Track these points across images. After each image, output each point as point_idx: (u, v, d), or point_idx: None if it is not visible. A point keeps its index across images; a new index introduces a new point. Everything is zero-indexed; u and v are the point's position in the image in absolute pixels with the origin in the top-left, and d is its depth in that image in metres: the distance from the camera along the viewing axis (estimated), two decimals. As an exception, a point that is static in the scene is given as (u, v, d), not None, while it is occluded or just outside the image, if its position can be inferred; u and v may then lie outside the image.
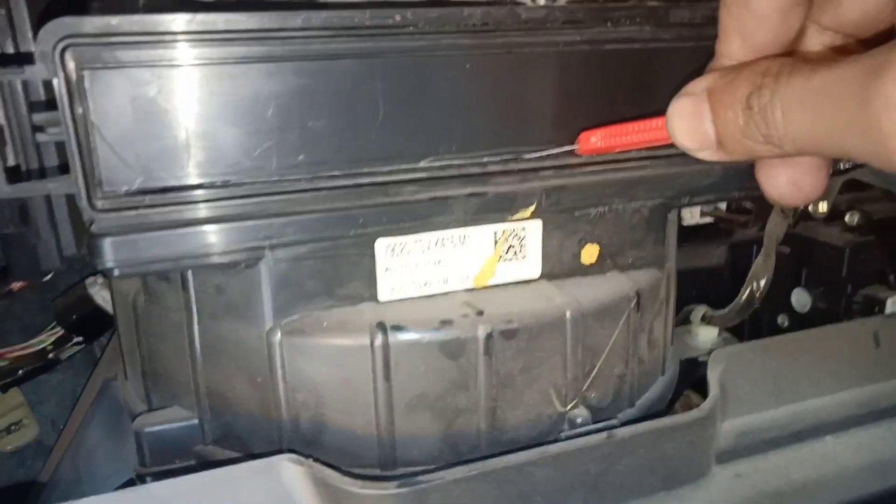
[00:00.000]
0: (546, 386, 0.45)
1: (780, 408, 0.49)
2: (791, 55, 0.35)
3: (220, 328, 0.43)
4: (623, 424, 0.45)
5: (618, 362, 0.47)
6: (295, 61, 0.38)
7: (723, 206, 0.83)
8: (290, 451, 0.41)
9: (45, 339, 0.72)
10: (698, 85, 0.35)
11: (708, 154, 0.36)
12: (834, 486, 0.47)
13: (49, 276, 0.70)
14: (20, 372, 0.72)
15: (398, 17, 0.39)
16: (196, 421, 0.45)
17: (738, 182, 0.50)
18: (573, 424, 0.45)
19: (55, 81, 0.34)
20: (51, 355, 0.72)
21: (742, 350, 0.51)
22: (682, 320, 0.69)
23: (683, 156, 0.47)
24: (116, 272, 0.37)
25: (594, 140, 0.41)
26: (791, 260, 0.83)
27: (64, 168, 0.39)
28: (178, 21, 0.35)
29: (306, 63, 0.38)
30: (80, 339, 0.73)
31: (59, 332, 0.72)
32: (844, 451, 0.49)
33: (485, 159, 0.43)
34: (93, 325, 0.72)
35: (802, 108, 0.30)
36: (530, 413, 0.45)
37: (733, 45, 0.36)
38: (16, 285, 0.68)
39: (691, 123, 0.35)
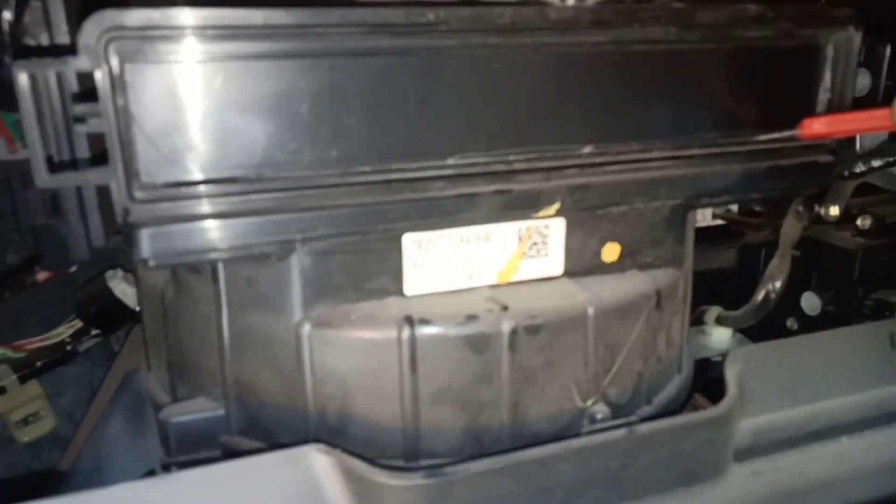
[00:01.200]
0: (567, 381, 0.45)
1: (796, 408, 0.50)
2: None
3: (249, 320, 0.43)
4: (641, 421, 0.45)
5: (637, 360, 0.48)
6: (330, 57, 0.39)
7: (734, 208, 0.83)
8: (316, 442, 0.42)
9: (64, 332, 0.72)
10: None
11: None
12: (849, 485, 0.48)
13: (75, 269, 0.71)
14: (38, 364, 0.72)
15: (431, 16, 0.40)
16: (222, 412, 0.45)
17: (756, 184, 0.50)
18: (593, 420, 0.46)
19: (97, 74, 0.35)
20: (69, 347, 0.73)
21: (759, 350, 0.52)
22: (696, 321, 0.70)
23: (704, 157, 0.49)
24: (152, 262, 0.38)
25: (817, 126, 0.42)
26: (802, 263, 0.84)
27: (96, 159, 0.40)
28: (217, 16, 0.36)
29: (341, 59, 0.39)
30: (98, 331, 0.73)
31: (78, 324, 0.73)
32: (860, 451, 0.50)
33: (510, 157, 0.44)
34: (111, 317, 0.73)
35: None
36: (552, 408, 0.45)
37: None
38: (41, 276, 0.69)
39: None
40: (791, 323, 0.87)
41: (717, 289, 0.83)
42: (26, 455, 0.78)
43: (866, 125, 0.47)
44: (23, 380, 0.73)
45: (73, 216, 0.47)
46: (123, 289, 0.72)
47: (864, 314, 0.80)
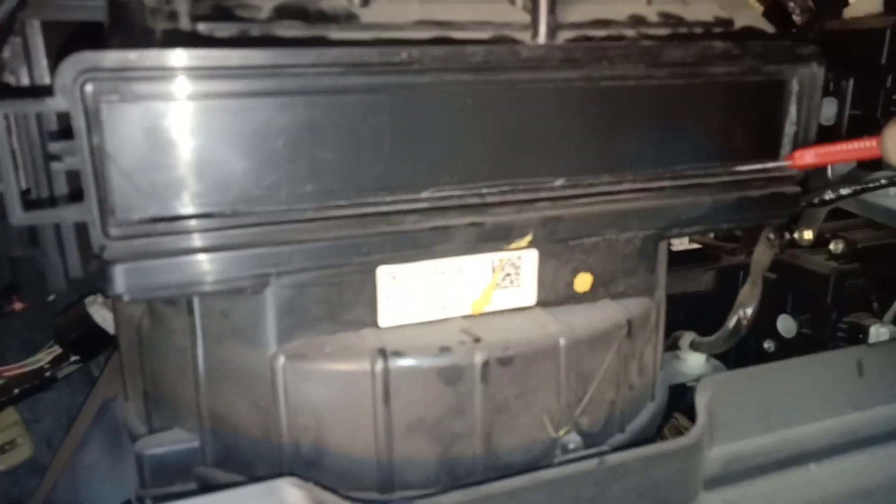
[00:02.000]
0: (540, 412, 0.46)
1: (766, 435, 0.51)
2: None
3: (224, 352, 0.44)
4: (613, 450, 0.46)
5: (609, 389, 0.49)
6: (305, 95, 0.40)
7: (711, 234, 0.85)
8: (291, 474, 0.42)
9: (43, 358, 0.72)
10: None
11: None
12: (818, 512, 0.49)
13: (53, 297, 0.71)
14: (16, 391, 0.72)
15: (404, 55, 0.41)
16: (197, 443, 0.45)
17: (725, 214, 0.51)
18: (565, 450, 0.46)
19: (72, 113, 0.36)
20: (47, 374, 0.72)
21: (729, 378, 0.53)
22: (671, 346, 0.71)
23: (674, 189, 0.50)
24: (127, 297, 0.38)
25: (808, 157, 0.46)
26: (777, 286, 0.85)
27: (74, 195, 0.40)
28: (193, 57, 0.37)
29: (316, 97, 0.40)
30: (78, 357, 0.73)
31: (57, 350, 0.72)
32: (829, 478, 0.51)
33: (484, 190, 0.45)
34: (91, 343, 0.72)
35: None
36: (524, 438, 0.46)
37: None
38: (17, 305, 0.69)
39: None
40: (768, 345, 0.88)
41: (696, 311, 0.84)
42: (4, 482, 0.77)
43: (856, 155, 0.49)
44: (0, 407, 0.72)
45: (50, 248, 0.47)
46: (103, 314, 0.72)
47: (839, 337, 0.82)
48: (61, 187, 0.43)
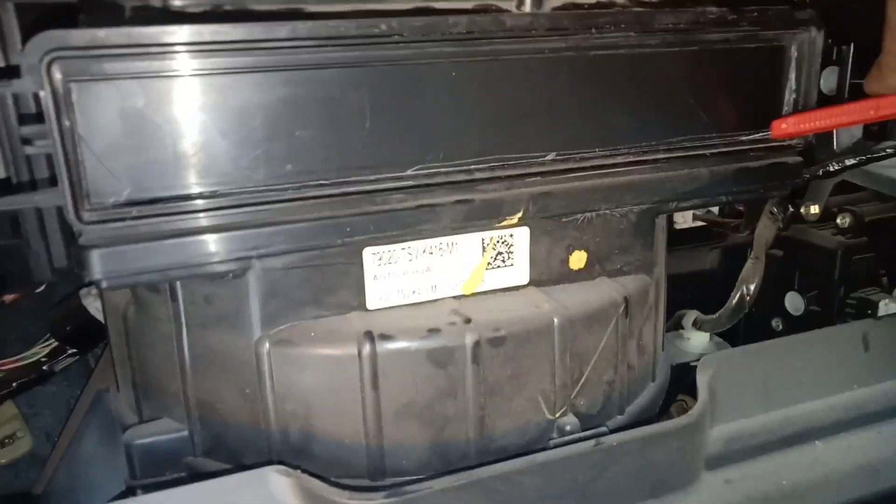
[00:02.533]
0: (534, 393, 0.45)
1: (769, 413, 0.49)
2: None
3: (209, 339, 0.43)
4: (612, 432, 0.45)
5: (607, 369, 0.48)
6: (282, 71, 0.38)
7: (715, 210, 0.83)
8: (280, 462, 0.41)
9: (39, 352, 0.71)
10: None
11: None
12: (823, 490, 0.47)
13: (43, 288, 0.70)
14: (14, 384, 0.72)
15: (384, 27, 0.39)
16: (186, 433, 0.45)
17: (724, 187, 0.50)
18: (562, 432, 0.45)
19: (42, 94, 0.34)
20: (45, 367, 0.72)
21: (731, 355, 0.52)
22: (674, 325, 0.70)
23: (670, 161, 0.48)
24: (104, 284, 0.37)
25: (784, 126, 0.46)
26: (784, 263, 0.83)
27: (54, 180, 0.39)
28: (165, 33, 0.36)
29: (293, 73, 0.39)
30: (75, 350, 0.73)
31: (54, 343, 0.72)
32: (834, 455, 0.49)
33: (471, 166, 0.44)
34: (87, 336, 0.72)
35: None
36: (519, 421, 0.45)
37: None
38: (8, 297, 0.68)
39: None
40: (776, 323, 0.86)
41: (701, 291, 0.82)
42: (5, 476, 0.77)
43: (836, 121, 0.48)
44: (-1, 401, 0.72)
45: (33, 237, 0.46)
46: (98, 306, 0.71)
47: (847, 313, 0.80)
48: (42, 172, 0.42)
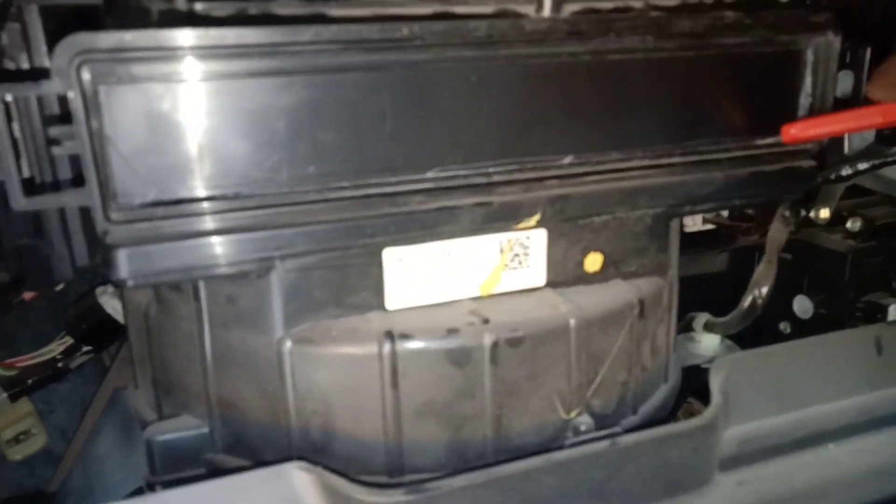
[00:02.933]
0: (550, 393, 0.45)
1: (782, 415, 0.50)
2: None
3: (231, 338, 0.43)
4: (626, 432, 0.45)
5: (621, 370, 0.48)
6: (305, 75, 0.39)
7: (725, 212, 0.83)
8: (300, 459, 0.42)
9: (55, 349, 0.72)
10: None
11: None
12: (836, 493, 0.48)
13: (62, 286, 0.71)
14: (29, 381, 0.72)
15: (405, 31, 0.40)
16: (206, 430, 0.45)
17: (738, 190, 0.50)
18: (577, 432, 0.46)
19: (71, 96, 0.35)
20: (60, 364, 0.73)
21: (744, 357, 0.52)
22: (685, 327, 0.70)
23: (685, 165, 0.49)
24: (130, 282, 0.38)
25: (793, 131, 0.46)
26: (793, 266, 0.84)
27: (77, 181, 0.40)
28: (190, 36, 0.36)
29: (316, 76, 0.39)
30: (90, 348, 0.73)
31: (69, 341, 0.73)
32: (846, 458, 0.50)
33: (490, 169, 0.44)
34: (102, 334, 0.73)
35: None
36: (535, 420, 0.45)
37: None
38: (27, 295, 0.69)
39: None
40: (784, 326, 0.87)
41: (711, 293, 0.83)
42: (20, 473, 0.78)
43: (849, 125, 0.48)
44: (13, 398, 0.73)
45: (56, 236, 0.47)
46: (114, 305, 0.72)
47: (857, 317, 0.80)
48: (65, 173, 0.43)
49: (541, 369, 0.45)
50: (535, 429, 0.45)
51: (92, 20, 0.42)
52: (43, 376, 0.73)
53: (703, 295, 0.86)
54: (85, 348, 0.74)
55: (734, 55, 0.48)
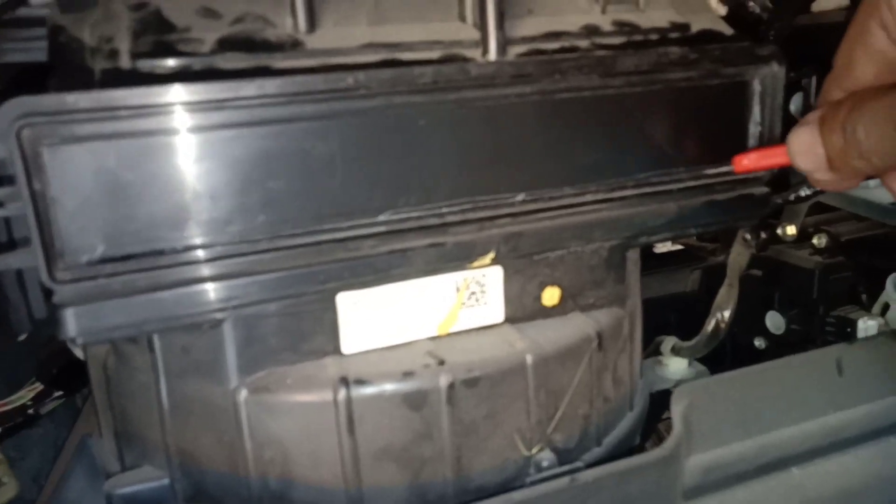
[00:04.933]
0: (510, 431, 0.45)
1: (745, 441, 0.50)
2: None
3: (187, 388, 0.43)
4: (589, 466, 0.45)
5: (582, 403, 0.48)
6: (251, 127, 0.39)
7: (694, 233, 0.84)
8: (260, 507, 0.42)
9: (25, 395, 0.72)
10: (812, 115, 0.41)
11: (822, 175, 0.41)
12: (801, 518, 0.48)
13: (24, 337, 0.71)
14: (0, 429, 0.72)
15: (350, 81, 0.40)
16: (167, 481, 0.45)
17: (693, 219, 0.51)
18: (539, 468, 0.46)
19: (11, 159, 0.35)
20: (30, 411, 0.72)
21: (706, 384, 0.52)
22: (653, 351, 0.70)
23: (638, 197, 0.49)
24: (80, 340, 0.38)
25: (746, 162, 0.47)
26: (763, 283, 0.85)
27: (25, 240, 0.40)
28: (134, 95, 0.37)
29: (262, 128, 0.39)
30: (61, 392, 0.73)
31: (39, 386, 0.72)
32: (811, 481, 0.50)
33: (443, 210, 0.44)
34: (73, 377, 0.72)
35: (875, 124, 0.36)
36: (496, 459, 0.45)
37: (843, 83, 0.41)
38: (-10, 346, 0.69)
39: (808, 149, 0.41)
40: (759, 342, 0.87)
41: (684, 312, 0.83)
42: (-8, 521, 0.77)
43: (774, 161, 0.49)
44: (-16, 446, 0.72)
45: (11, 290, 0.47)
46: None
47: (827, 331, 0.81)
48: (21, 231, 0.43)
49: (499, 408, 0.45)
50: (497, 468, 0.45)
51: (39, 77, 0.42)
52: (14, 423, 0.72)
53: (676, 314, 0.87)
54: (56, 393, 0.73)
55: (681, 89, 0.49)
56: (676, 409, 0.48)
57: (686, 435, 0.48)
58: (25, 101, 0.35)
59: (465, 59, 0.44)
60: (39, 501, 0.67)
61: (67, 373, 0.72)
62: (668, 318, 0.87)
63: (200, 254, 0.40)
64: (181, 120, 0.38)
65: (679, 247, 0.86)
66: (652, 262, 0.88)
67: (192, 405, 0.43)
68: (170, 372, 0.43)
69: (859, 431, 0.53)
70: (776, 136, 0.52)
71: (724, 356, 0.81)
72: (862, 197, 0.74)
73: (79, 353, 0.71)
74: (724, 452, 0.49)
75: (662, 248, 0.85)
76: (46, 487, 0.67)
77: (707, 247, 0.83)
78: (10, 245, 0.41)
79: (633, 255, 0.53)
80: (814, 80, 0.59)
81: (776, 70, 0.51)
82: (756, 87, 0.51)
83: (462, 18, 0.45)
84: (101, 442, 0.53)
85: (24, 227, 0.41)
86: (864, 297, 0.83)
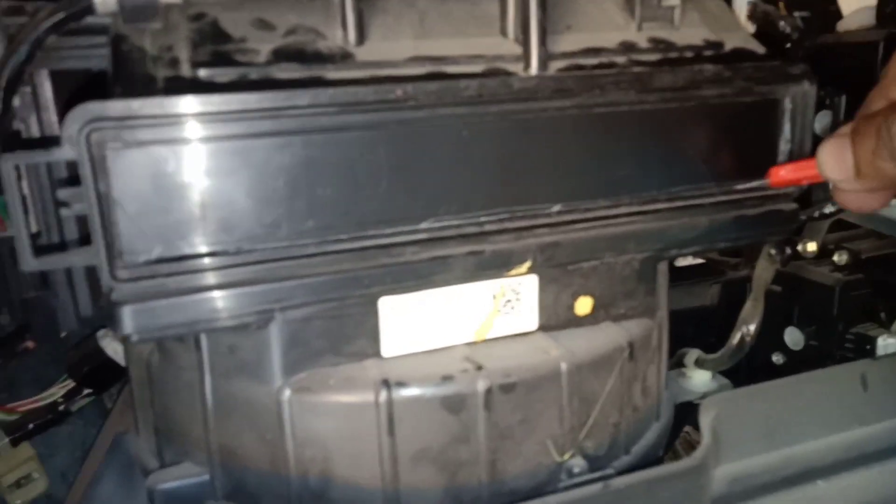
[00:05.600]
0: (543, 437, 0.46)
1: (771, 452, 0.51)
2: None
3: (232, 387, 0.44)
4: (619, 473, 0.46)
5: (612, 411, 0.49)
6: (303, 135, 0.41)
7: (714, 247, 0.85)
8: (299, 505, 0.43)
9: (56, 392, 0.73)
10: (844, 128, 0.43)
11: (849, 184, 0.43)
12: (826, 530, 0.49)
13: (65, 334, 0.72)
14: (30, 426, 0.73)
15: (399, 92, 0.42)
16: (207, 477, 0.46)
17: (722, 234, 0.52)
18: (570, 474, 0.47)
19: (80, 162, 0.37)
20: (61, 408, 0.73)
21: (733, 396, 0.53)
22: (676, 363, 0.71)
23: (670, 211, 0.50)
24: (135, 338, 0.39)
25: (782, 173, 0.50)
26: (783, 299, 0.85)
27: (84, 239, 0.42)
28: (195, 103, 0.38)
29: (314, 136, 0.41)
30: (91, 390, 0.74)
31: (70, 384, 0.74)
32: (836, 494, 0.51)
33: (482, 219, 0.46)
34: (103, 376, 0.73)
35: None
36: (529, 464, 0.46)
37: (888, 93, 0.43)
38: (30, 344, 0.70)
39: (837, 158, 0.43)
40: (777, 358, 0.88)
41: (703, 325, 0.84)
42: (20, 517, 0.78)
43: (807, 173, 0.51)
44: (15, 442, 0.73)
45: (61, 289, 0.48)
46: (115, 347, 0.73)
47: (847, 348, 0.81)
48: (72, 231, 0.44)
49: (533, 413, 0.46)
50: (529, 472, 0.46)
51: (100, 84, 0.44)
52: (44, 420, 0.74)
53: (696, 327, 0.88)
54: (86, 391, 0.75)
55: (714, 105, 0.50)
56: (705, 420, 0.49)
57: (714, 445, 0.49)
58: (93, 106, 0.36)
59: (508, 73, 0.45)
60: (70, 498, 0.68)
61: (98, 371, 0.73)
62: (687, 331, 0.87)
63: (251, 256, 0.41)
64: (237, 127, 0.39)
65: (700, 260, 0.86)
66: (672, 276, 0.89)
67: (236, 404, 0.45)
68: (215, 371, 0.45)
69: (884, 446, 0.54)
70: (806, 153, 0.53)
71: (740, 371, 0.81)
72: (883, 214, 0.75)
73: (110, 352, 0.73)
74: (751, 463, 0.50)
75: (683, 261, 0.85)
76: (77, 484, 0.68)
77: (728, 261, 0.83)
78: (62, 245, 0.43)
79: (663, 268, 0.54)
80: (843, 98, 0.60)
81: (807, 88, 0.52)
82: (787, 104, 0.52)
83: (504, 34, 0.46)
84: (137, 440, 0.54)
85: (75, 228, 0.43)
86: (882, 314, 0.84)
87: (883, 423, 0.54)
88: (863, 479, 0.52)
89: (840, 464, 0.52)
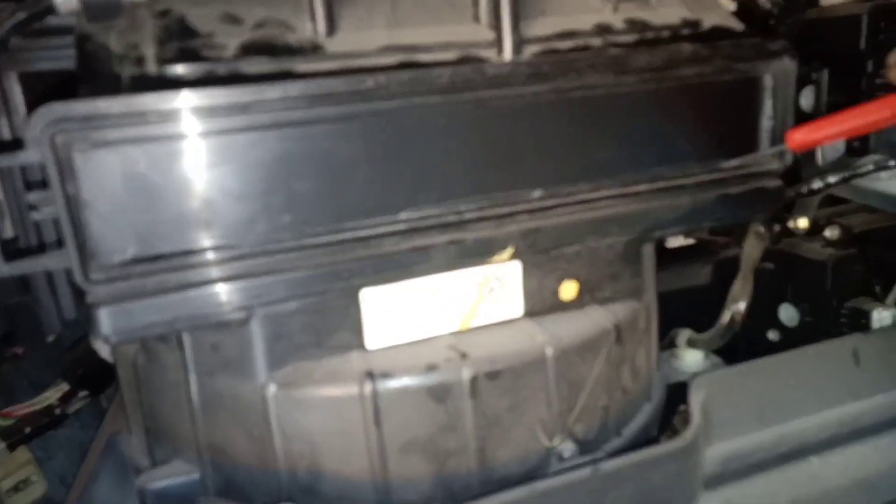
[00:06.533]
0: (532, 422, 0.46)
1: (764, 430, 0.50)
2: None
3: (217, 384, 0.44)
4: (610, 455, 0.46)
5: (601, 394, 0.49)
6: (275, 129, 0.40)
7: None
8: (289, 500, 0.43)
9: (51, 396, 0.73)
10: None
11: None
12: (821, 505, 0.48)
13: (53, 338, 0.72)
14: (27, 430, 0.73)
15: (371, 83, 0.41)
16: (197, 475, 0.46)
17: (707, 214, 0.52)
18: (561, 458, 0.47)
19: (45, 164, 0.36)
20: (57, 411, 0.73)
21: (723, 375, 0.53)
22: (668, 344, 0.71)
23: (653, 192, 0.50)
24: (113, 339, 0.39)
25: (799, 136, 0.48)
26: (776, 276, 0.85)
27: (60, 242, 0.41)
28: (162, 100, 0.38)
29: (286, 130, 0.41)
30: (87, 392, 0.74)
31: (65, 387, 0.73)
32: (830, 470, 0.51)
33: (462, 207, 0.45)
34: (99, 378, 0.73)
35: None
36: (518, 450, 0.46)
37: None
38: (19, 349, 0.70)
39: None
40: (773, 335, 0.88)
41: (696, 305, 0.84)
42: (21, 521, 0.78)
43: (847, 126, 0.50)
44: (12, 447, 0.73)
45: (43, 293, 0.48)
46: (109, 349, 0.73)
47: (842, 323, 0.81)
48: (50, 234, 0.44)
49: (521, 400, 0.46)
50: (519, 458, 0.46)
51: (70, 85, 0.43)
52: (41, 424, 0.74)
53: (689, 308, 0.87)
54: (82, 393, 0.75)
55: (694, 84, 0.49)
56: (695, 400, 0.49)
57: (705, 425, 0.48)
58: (57, 107, 0.36)
59: (481, 60, 0.45)
60: (68, 501, 0.68)
61: (93, 373, 0.73)
62: (680, 312, 0.87)
63: (228, 253, 0.41)
64: (207, 123, 0.39)
65: (690, 241, 0.86)
66: (663, 257, 0.88)
67: (222, 401, 0.44)
68: (199, 369, 0.44)
69: (877, 421, 0.53)
70: (788, 128, 0.53)
71: (736, 349, 0.81)
72: (874, 188, 0.75)
73: (104, 354, 0.73)
74: (743, 442, 0.50)
75: (674, 242, 0.85)
76: (74, 487, 0.68)
77: (718, 241, 0.83)
78: (41, 248, 0.43)
79: (648, 250, 0.54)
80: (825, 73, 0.59)
81: (788, 65, 0.51)
82: (768, 81, 0.52)
83: (477, 20, 0.46)
84: (131, 439, 0.54)
85: (53, 230, 0.42)
86: (877, 288, 0.83)
87: (875, 397, 0.54)
88: (857, 454, 0.52)
89: (834, 439, 0.52)
